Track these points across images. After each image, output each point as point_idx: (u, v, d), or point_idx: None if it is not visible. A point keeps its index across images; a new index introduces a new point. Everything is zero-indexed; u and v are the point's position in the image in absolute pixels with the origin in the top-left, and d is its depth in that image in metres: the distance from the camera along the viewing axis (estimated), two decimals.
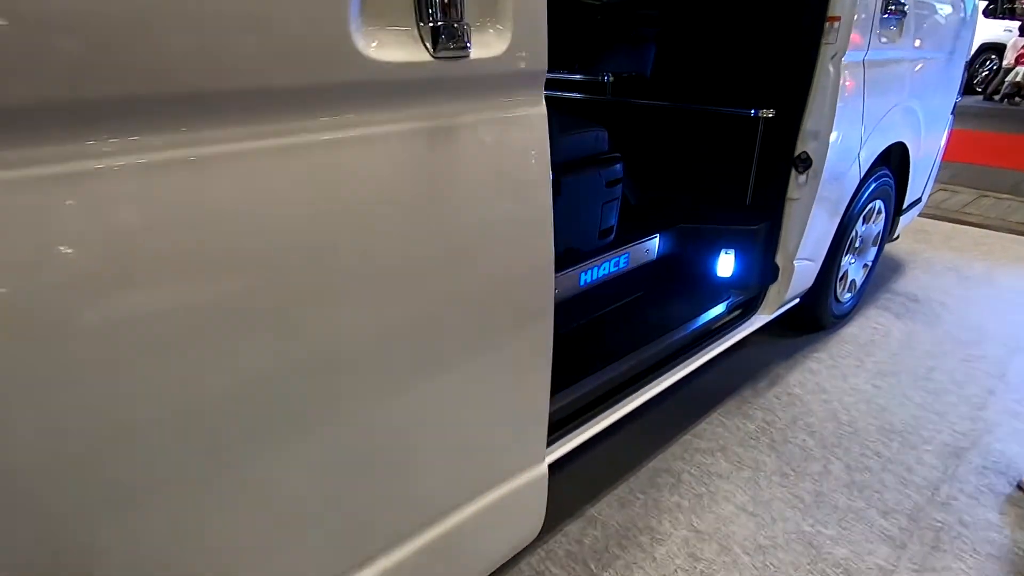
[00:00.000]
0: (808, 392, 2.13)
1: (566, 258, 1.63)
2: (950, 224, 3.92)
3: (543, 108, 0.90)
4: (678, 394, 2.05)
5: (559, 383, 1.28)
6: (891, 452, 1.83)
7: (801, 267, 2.07)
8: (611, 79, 2.41)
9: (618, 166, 1.73)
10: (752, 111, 1.93)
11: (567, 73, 2.52)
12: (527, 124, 0.89)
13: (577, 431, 1.44)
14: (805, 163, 1.88)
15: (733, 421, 1.98)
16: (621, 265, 1.83)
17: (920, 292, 2.90)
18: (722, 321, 1.97)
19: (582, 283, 1.71)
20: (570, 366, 1.48)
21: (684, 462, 1.78)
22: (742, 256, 2.03)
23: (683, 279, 2.11)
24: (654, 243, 1.94)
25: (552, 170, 0.93)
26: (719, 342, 1.93)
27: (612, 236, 1.79)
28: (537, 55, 0.85)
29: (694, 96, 2.21)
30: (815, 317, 2.44)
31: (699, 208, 2.17)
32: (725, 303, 1.98)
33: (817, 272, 2.20)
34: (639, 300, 1.97)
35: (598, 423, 1.49)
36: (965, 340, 2.46)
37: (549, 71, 0.88)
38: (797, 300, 2.27)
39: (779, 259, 2.04)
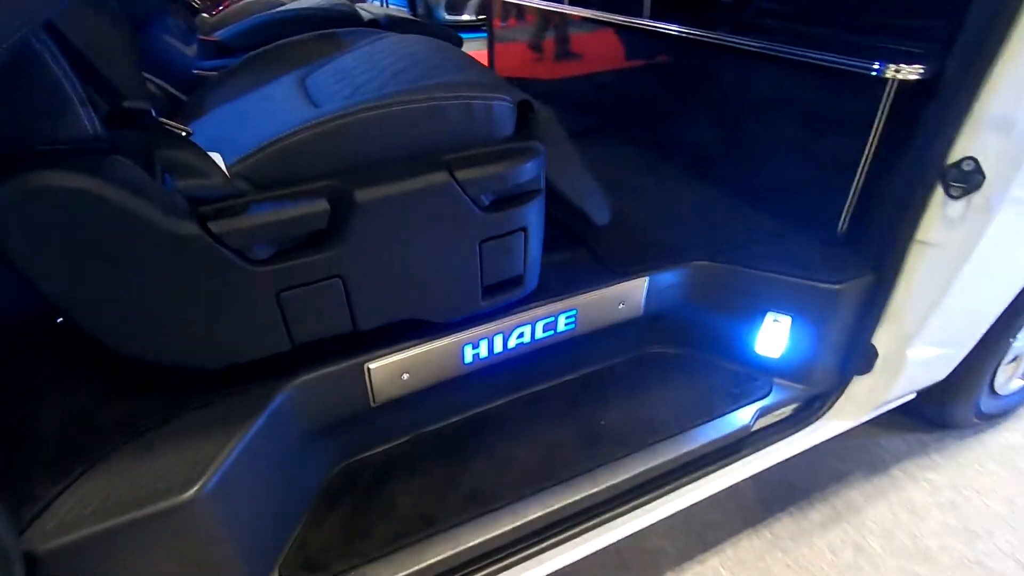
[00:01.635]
0: (894, 549, 1.28)
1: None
2: None
3: None
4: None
5: None
6: None
7: (924, 358, 1.16)
8: None
9: (532, 171, 0.91)
10: (876, 65, 1.00)
11: None
12: None
13: None
14: (969, 179, 0.94)
15: None
16: (561, 329, 1.08)
17: None
18: (752, 429, 1.16)
19: (466, 361, 1.01)
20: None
21: None
22: (806, 326, 1.16)
23: (690, 355, 1.28)
24: (638, 291, 1.14)
25: None
26: (742, 461, 1.15)
27: (523, 289, 1.03)
28: None
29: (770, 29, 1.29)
30: (942, 413, 1.50)
31: (745, 228, 1.29)
32: (757, 401, 1.17)
33: (958, 362, 1.26)
34: (587, 387, 1.21)
35: None
36: None
37: None
38: (911, 396, 1.35)
39: (881, 340, 1.15)
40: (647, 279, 1.14)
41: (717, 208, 1.39)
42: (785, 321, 1.16)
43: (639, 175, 1.58)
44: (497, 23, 2.24)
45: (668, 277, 1.17)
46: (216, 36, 1.61)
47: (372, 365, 0.94)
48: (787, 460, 1.20)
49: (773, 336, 1.18)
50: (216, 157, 0.73)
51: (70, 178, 0.60)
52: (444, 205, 0.83)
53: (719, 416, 1.13)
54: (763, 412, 1.17)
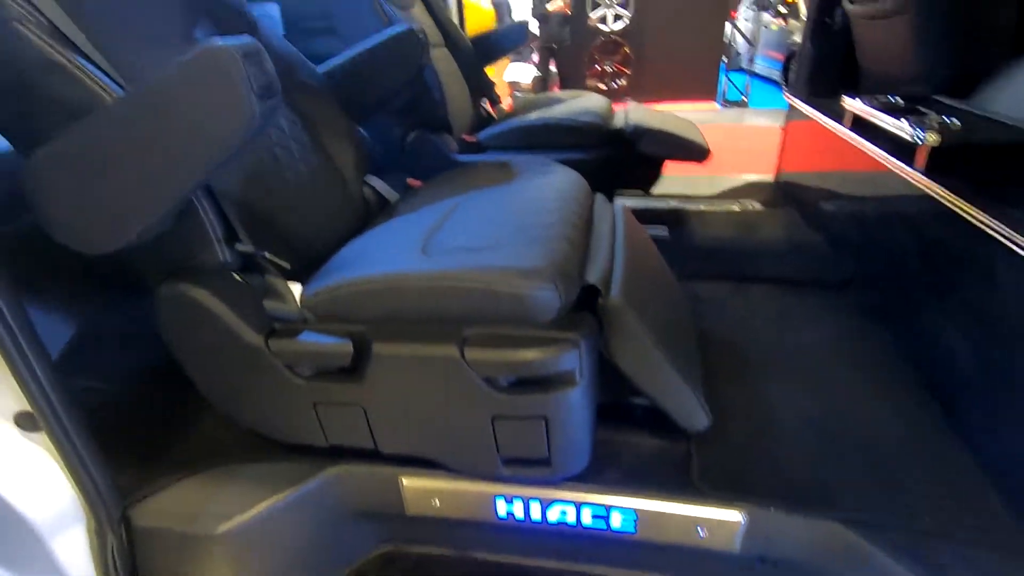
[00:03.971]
0: None
1: None
2: None
3: None
4: None
5: None
6: None
7: None
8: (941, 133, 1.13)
9: (562, 363, 0.82)
10: None
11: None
12: None
13: None
14: None
15: None
16: (616, 527, 0.93)
17: None
18: None
19: (500, 515, 0.97)
20: None
21: None
22: None
23: None
24: (730, 524, 0.88)
25: None
26: None
27: (552, 472, 0.90)
28: None
29: None
30: None
31: (955, 502, 0.86)
32: None
33: None
34: None
35: None
36: None
37: None
38: None
39: None
40: (744, 514, 0.89)
41: (927, 456, 0.97)
42: None
43: (825, 365, 1.22)
44: None
45: (784, 522, 0.88)
46: (475, 135, 1.91)
47: (405, 480, 1.00)
48: None
49: None
50: (295, 287, 0.91)
51: (191, 289, 0.86)
52: (452, 377, 0.84)
53: None
54: None
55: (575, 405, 0.86)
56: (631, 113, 2.02)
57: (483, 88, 2.24)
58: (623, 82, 6.56)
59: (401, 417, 0.93)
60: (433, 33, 2.03)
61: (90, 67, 0.78)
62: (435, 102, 1.81)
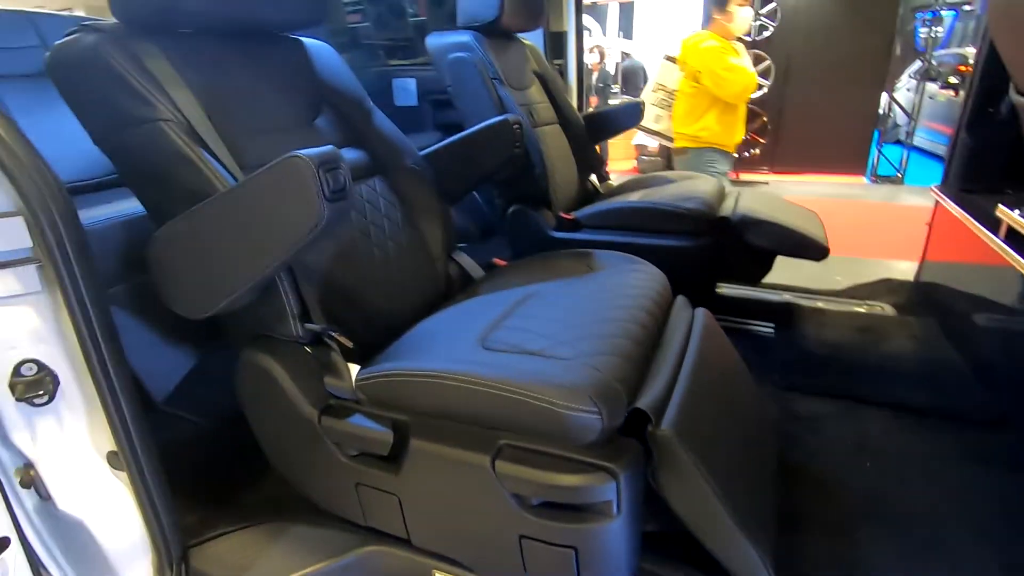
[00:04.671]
0: None
1: None
2: None
3: None
4: None
5: None
6: None
7: None
8: None
9: (596, 495, 0.73)
10: None
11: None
12: None
13: None
14: None
15: None
16: None
17: None
18: None
19: None
20: None
21: None
22: None
23: None
24: None
25: None
26: None
27: None
28: None
29: None
30: None
31: None
32: None
33: None
34: None
35: None
36: None
37: None
38: None
39: None
40: None
41: None
42: None
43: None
44: None
45: None
46: (573, 213, 1.90)
47: (438, 574, 0.98)
48: None
49: None
50: (354, 368, 0.95)
51: (264, 358, 0.94)
52: (481, 486, 0.80)
53: None
54: None
55: (610, 540, 0.79)
56: (741, 199, 1.89)
57: (591, 164, 2.25)
58: (756, 151, 6.27)
59: (433, 514, 0.92)
60: (545, 110, 2.09)
61: (213, 161, 0.91)
62: (536, 178, 1.85)
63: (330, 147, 0.77)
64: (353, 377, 0.93)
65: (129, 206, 1.28)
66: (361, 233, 1.18)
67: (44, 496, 0.90)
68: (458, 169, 1.42)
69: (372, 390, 0.91)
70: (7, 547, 0.87)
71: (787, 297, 1.98)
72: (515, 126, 1.34)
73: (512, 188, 1.92)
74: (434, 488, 0.89)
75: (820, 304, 1.95)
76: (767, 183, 6.30)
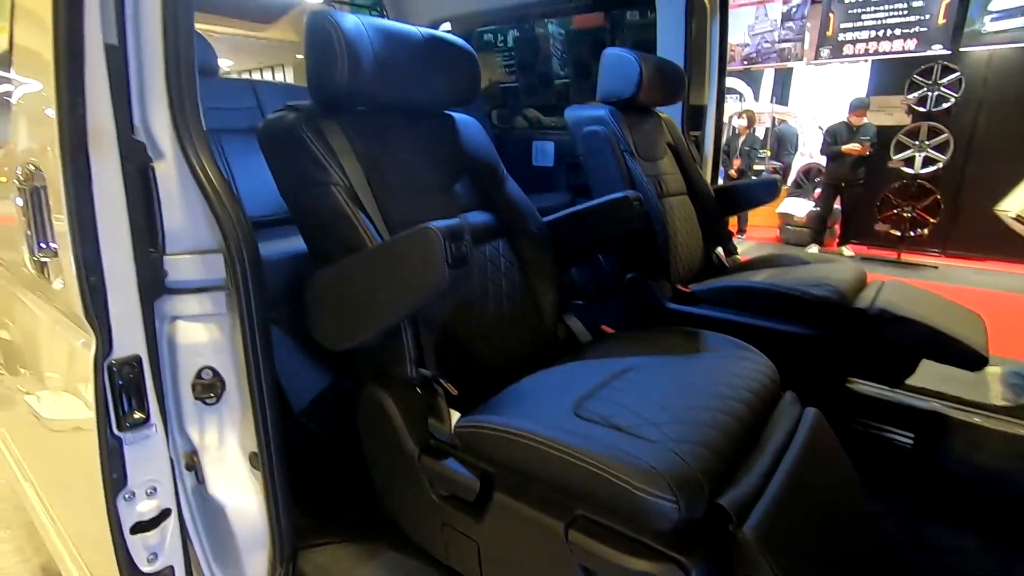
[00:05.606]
0: None
1: None
2: None
3: None
4: None
5: None
6: None
7: None
8: None
9: None
10: None
11: None
12: None
13: None
14: None
15: None
16: None
17: None
18: None
19: None
20: None
21: None
22: None
23: None
24: None
25: None
26: None
27: None
28: None
29: None
30: None
31: None
32: None
33: None
34: None
35: None
36: None
37: None
38: None
39: None
40: None
41: None
42: None
43: None
44: None
45: None
46: (691, 286, 1.87)
47: None
48: None
49: None
50: (455, 415, 1.03)
51: (380, 392, 1.07)
52: (553, 551, 0.83)
53: None
54: None
55: None
56: (885, 291, 1.73)
57: (719, 237, 2.21)
58: (924, 231, 5.62)
59: (508, 567, 0.96)
60: (675, 181, 2.12)
61: (366, 219, 1.08)
62: (657, 248, 1.87)
63: (458, 220, 0.89)
64: (453, 422, 1.02)
65: (298, 243, 1.53)
66: (480, 289, 1.29)
67: (200, 480, 1.09)
68: (577, 237, 1.50)
69: (467, 438, 0.99)
70: (168, 517, 1.06)
71: (935, 405, 1.75)
72: (635, 202, 1.40)
73: (632, 256, 1.95)
74: (511, 542, 0.93)
75: (976, 419, 1.69)
76: (936, 267, 5.61)
